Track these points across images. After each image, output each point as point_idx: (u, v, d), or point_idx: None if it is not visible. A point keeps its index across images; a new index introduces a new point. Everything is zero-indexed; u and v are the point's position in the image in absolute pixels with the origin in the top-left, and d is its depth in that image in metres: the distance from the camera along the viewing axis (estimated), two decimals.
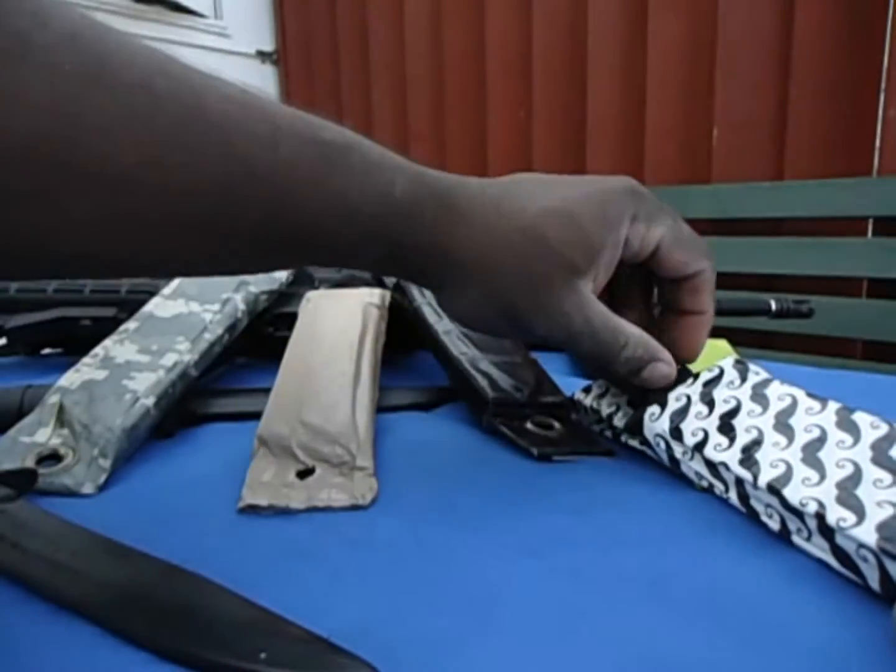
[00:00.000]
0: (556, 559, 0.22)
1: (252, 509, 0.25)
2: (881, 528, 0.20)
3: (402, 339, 0.44)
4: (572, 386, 0.37)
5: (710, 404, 0.28)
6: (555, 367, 0.40)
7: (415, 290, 0.44)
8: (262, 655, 0.17)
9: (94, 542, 0.22)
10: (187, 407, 0.36)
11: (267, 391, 0.34)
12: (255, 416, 0.34)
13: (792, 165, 1.22)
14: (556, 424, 0.34)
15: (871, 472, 0.22)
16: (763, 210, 1.24)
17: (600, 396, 0.34)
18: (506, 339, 0.36)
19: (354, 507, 0.26)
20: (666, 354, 0.28)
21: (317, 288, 0.50)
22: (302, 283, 0.52)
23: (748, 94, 1.26)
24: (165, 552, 0.22)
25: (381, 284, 0.50)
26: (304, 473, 0.28)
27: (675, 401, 0.29)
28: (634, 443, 0.31)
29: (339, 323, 0.39)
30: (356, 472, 0.28)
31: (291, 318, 0.46)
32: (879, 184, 1.13)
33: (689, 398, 0.29)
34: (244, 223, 0.21)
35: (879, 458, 0.22)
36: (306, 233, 0.22)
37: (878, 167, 1.14)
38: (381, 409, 0.36)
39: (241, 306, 0.42)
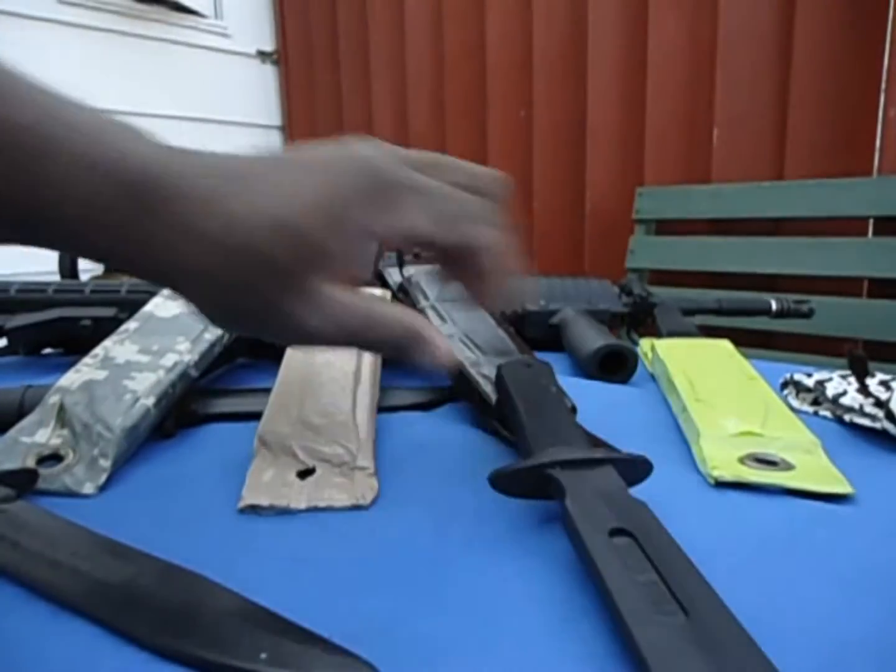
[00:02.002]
0: (556, 558, 0.22)
1: (252, 509, 0.25)
2: None
3: None
4: (573, 386, 0.37)
5: None
6: (556, 368, 0.40)
7: (418, 293, 0.44)
8: (263, 655, 0.17)
9: (95, 542, 0.22)
10: (187, 407, 0.36)
11: (267, 391, 0.34)
12: (255, 416, 0.34)
13: (792, 165, 1.22)
14: None
15: None
16: (763, 210, 1.24)
17: (824, 381, 0.39)
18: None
19: (355, 507, 0.26)
20: (432, 335, 0.24)
21: None
22: None
23: (748, 94, 1.26)
24: (165, 552, 0.22)
25: (384, 284, 0.50)
26: (305, 473, 0.28)
27: None
28: (864, 421, 0.34)
29: None
30: (357, 472, 0.28)
31: None
32: (880, 184, 1.13)
33: None
34: None
35: None
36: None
37: (879, 167, 1.14)
38: (381, 409, 0.36)
39: None
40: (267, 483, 0.27)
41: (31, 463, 0.28)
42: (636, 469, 0.25)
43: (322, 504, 0.26)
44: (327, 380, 0.34)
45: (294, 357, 0.37)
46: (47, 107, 0.20)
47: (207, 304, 0.23)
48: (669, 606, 0.17)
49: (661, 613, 0.17)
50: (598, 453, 0.25)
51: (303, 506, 0.26)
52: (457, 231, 0.24)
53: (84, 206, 0.20)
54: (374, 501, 0.27)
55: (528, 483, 0.24)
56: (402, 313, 0.25)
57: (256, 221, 0.21)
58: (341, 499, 0.26)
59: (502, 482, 0.24)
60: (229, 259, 0.21)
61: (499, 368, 0.33)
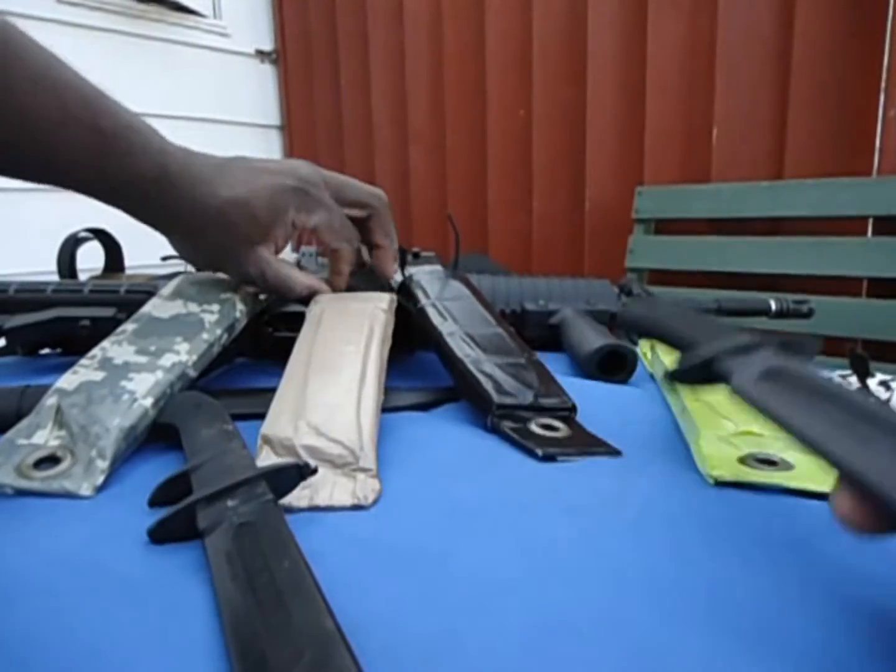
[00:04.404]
0: (558, 559, 0.22)
1: None
2: None
3: (405, 340, 0.44)
4: (572, 386, 0.37)
5: None
6: (556, 368, 0.40)
7: (419, 292, 0.44)
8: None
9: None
10: None
11: (266, 391, 0.34)
12: (255, 416, 0.34)
13: (792, 165, 1.22)
14: (561, 426, 0.34)
15: None
16: (763, 210, 1.24)
17: None
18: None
19: (356, 508, 0.26)
20: (323, 292, 0.44)
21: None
22: None
23: (748, 94, 1.26)
24: (165, 553, 0.22)
25: (388, 287, 0.49)
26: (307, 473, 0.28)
27: None
28: None
29: (345, 326, 0.39)
30: (359, 473, 0.28)
31: (291, 318, 0.46)
32: (879, 183, 1.13)
33: None
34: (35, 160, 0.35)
35: None
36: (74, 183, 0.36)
37: (878, 167, 1.14)
38: (383, 409, 0.36)
39: (240, 306, 0.42)
40: None
41: (28, 465, 0.28)
42: (803, 347, 0.25)
43: (323, 504, 0.26)
44: (331, 382, 0.34)
45: (298, 359, 0.36)
46: (133, 134, 0.36)
47: (190, 248, 0.41)
48: None
49: None
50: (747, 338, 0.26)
51: (304, 505, 0.26)
52: (335, 237, 0.44)
53: (141, 182, 0.37)
54: (375, 502, 0.26)
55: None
56: (305, 278, 0.43)
57: (229, 197, 0.38)
58: (343, 499, 0.26)
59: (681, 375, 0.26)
60: (211, 219, 0.38)
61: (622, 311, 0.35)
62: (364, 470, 0.28)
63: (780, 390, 0.20)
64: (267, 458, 0.29)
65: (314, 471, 0.28)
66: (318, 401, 0.32)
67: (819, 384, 0.19)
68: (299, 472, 0.25)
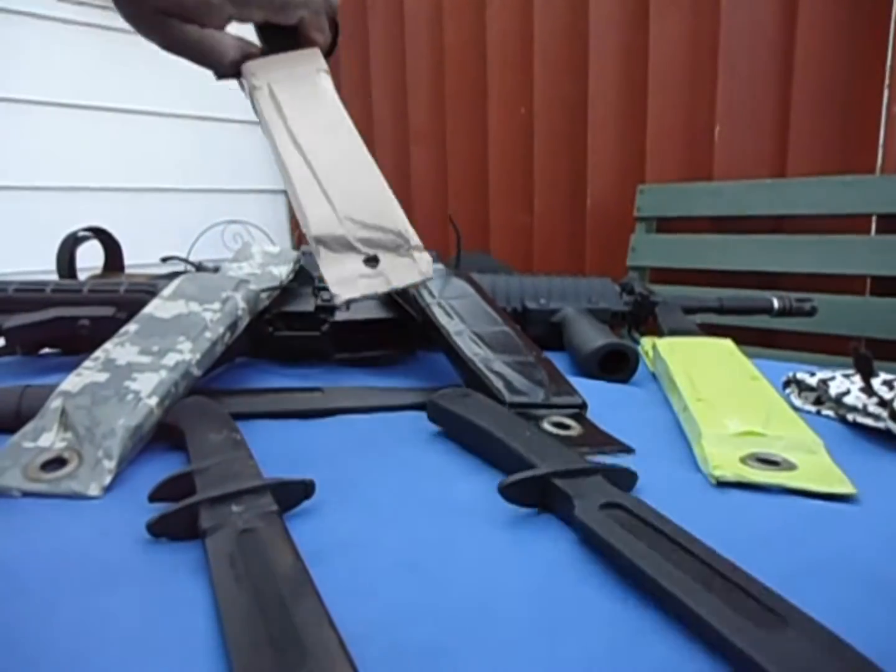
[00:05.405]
0: (560, 559, 0.22)
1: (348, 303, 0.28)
2: None
3: (405, 340, 0.44)
4: (575, 385, 0.37)
5: None
6: (558, 367, 0.39)
7: (424, 291, 0.44)
8: None
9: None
10: None
11: (266, 391, 0.34)
12: (255, 416, 0.34)
13: (794, 163, 1.22)
14: (574, 424, 0.33)
15: None
16: (765, 207, 1.24)
17: (827, 380, 0.39)
18: None
19: (424, 281, 0.30)
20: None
21: (317, 288, 0.50)
22: (303, 282, 0.52)
23: (751, 91, 1.26)
24: (172, 552, 0.22)
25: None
26: (370, 261, 0.30)
27: None
28: (867, 420, 0.34)
29: (309, 101, 0.38)
30: (413, 252, 0.30)
31: (291, 318, 0.46)
32: (883, 181, 1.12)
33: None
34: None
35: None
36: None
37: (882, 164, 1.14)
38: (384, 408, 0.36)
39: (242, 304, 0.42)
40: (347, 277, 0.29)
41: (35, 468, 0.28)
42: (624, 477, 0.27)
43: (400, 285, 0.30)
44: (345, 171, 0.34)
45: (285, 142, 0.35)
46: None
47: None
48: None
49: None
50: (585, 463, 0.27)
51: (385, 289, 0.29)
52: (285, 18, 0.41)
53: None
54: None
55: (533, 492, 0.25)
56: (235, 40, 0.40)
57: None
58: (413, 277, 0.30)
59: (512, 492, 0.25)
60: None
61: (431, 402, 0.34)
62: (415, 247, 0.31)
63: (619, 524, 0.22)
64: (326, 258, 0.30)
65: (375, 258, 0.30)
66: (346, 192, 0.33)
67: (652, 524, 0.22)
68: (304, 490, 0.25)
